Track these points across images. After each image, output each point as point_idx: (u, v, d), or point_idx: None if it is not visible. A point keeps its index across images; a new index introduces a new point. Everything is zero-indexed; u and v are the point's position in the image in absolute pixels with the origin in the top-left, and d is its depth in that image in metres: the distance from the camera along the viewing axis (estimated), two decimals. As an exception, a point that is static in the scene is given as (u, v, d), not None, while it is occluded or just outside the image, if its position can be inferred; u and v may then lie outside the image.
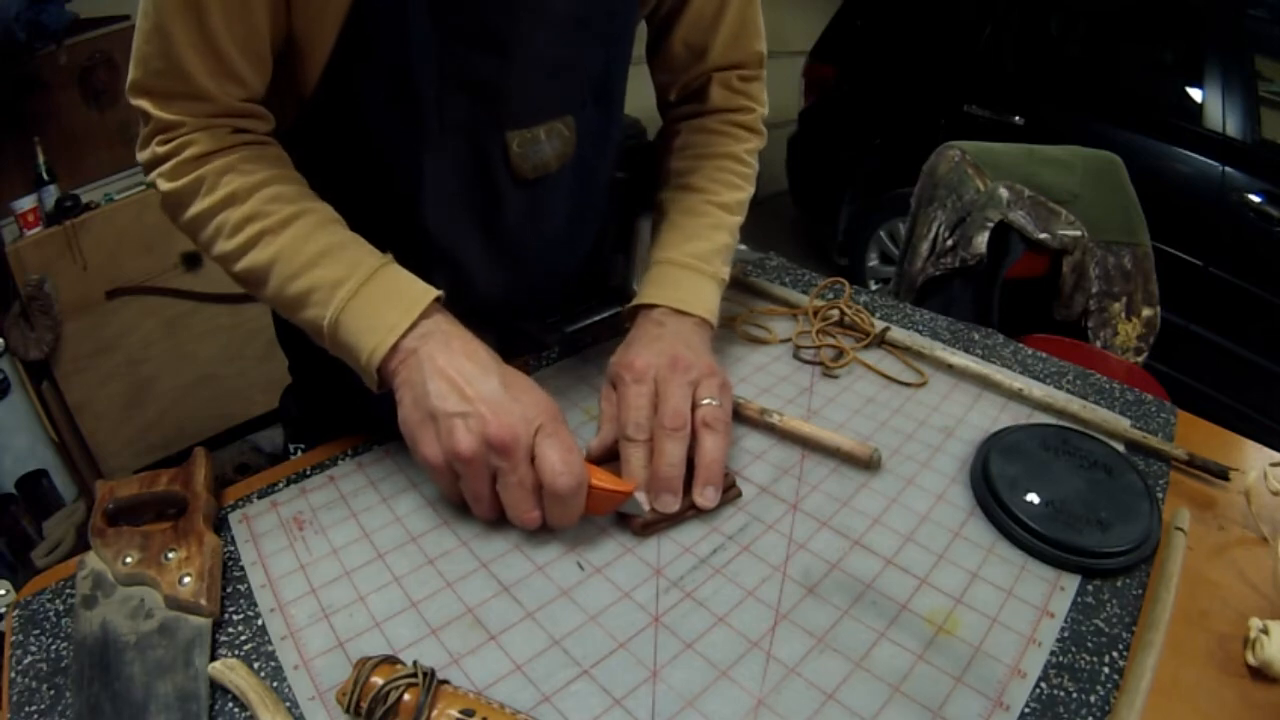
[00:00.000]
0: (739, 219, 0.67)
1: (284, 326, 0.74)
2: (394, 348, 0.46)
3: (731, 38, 0.66)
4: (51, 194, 1.72)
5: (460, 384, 0.45)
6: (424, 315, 0.47)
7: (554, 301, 0.73)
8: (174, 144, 0.49)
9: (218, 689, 0.38)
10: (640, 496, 0.48)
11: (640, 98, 0.77)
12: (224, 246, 0.49)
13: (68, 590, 0.44)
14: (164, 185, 0.50)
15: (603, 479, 0.46)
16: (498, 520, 0.47)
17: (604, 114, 0.63)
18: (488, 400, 0.44)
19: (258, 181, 0.49)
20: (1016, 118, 2.21)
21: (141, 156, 0.51)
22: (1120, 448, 0.56)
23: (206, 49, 0.46)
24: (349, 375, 0.50)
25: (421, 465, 0.46)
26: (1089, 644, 0.41)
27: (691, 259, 0.62)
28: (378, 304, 0.47)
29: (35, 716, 0.37)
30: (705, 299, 0.60)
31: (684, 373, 0.52)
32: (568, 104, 0.59)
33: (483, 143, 0.56)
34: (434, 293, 0.49)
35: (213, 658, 0.39)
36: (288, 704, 0.37)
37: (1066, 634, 0.41)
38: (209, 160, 0.49)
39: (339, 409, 0.59)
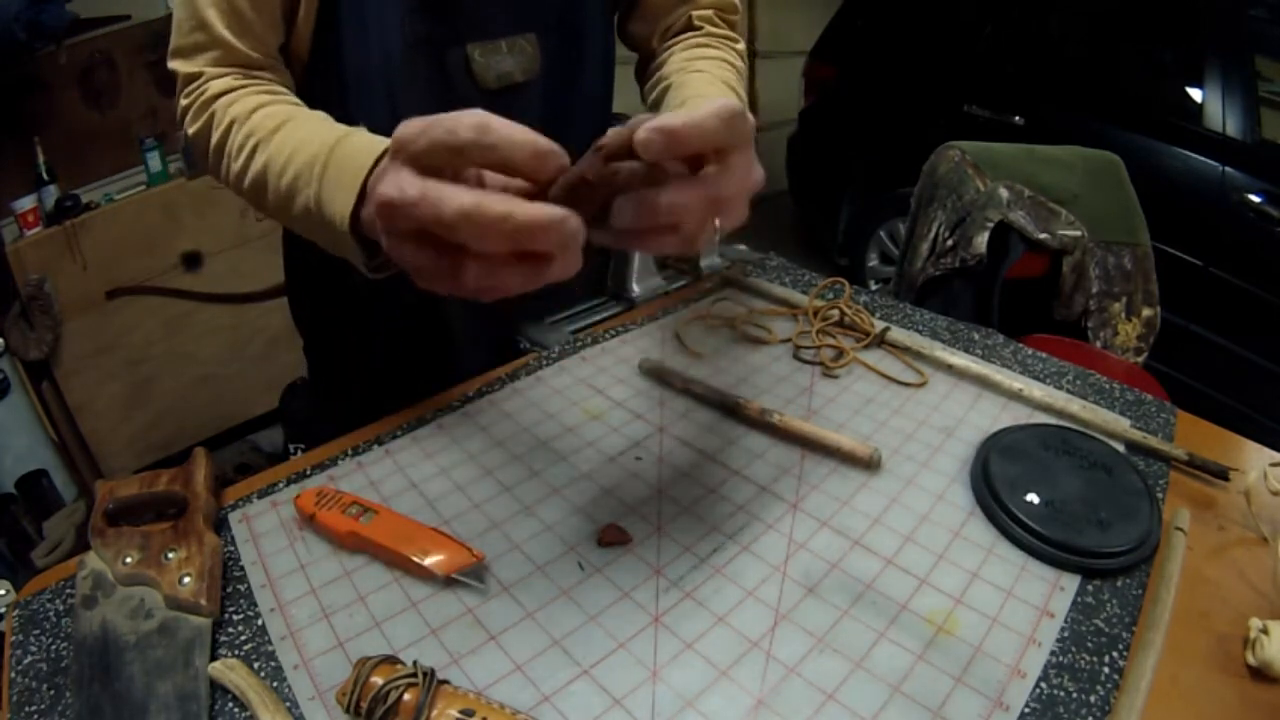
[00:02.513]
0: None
1: (299, 304, 0.77)
2: (355, 212, 0.43)
3: None
4: (51, 194, 1.72)
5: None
6: (375, 166, 0.42)
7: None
8: (195, 93, 0.55)
9: (218, 689, 0.38)
10: None
11: (635, 97, 0.78)
12: (234, 168, 0.52)
13: (68, 590, 0.44)
14: (190, 130, 0.55)
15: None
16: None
17: (570, 38, 0.65)
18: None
19: (255, 104, 0.53)
20: (1016, 118, 2.21)
21: (178, 116, 0.57)
22: (1120, 448, 0.56)
23: (226, 6, 0.53)
24: (365, 346, 0.49)
25: (415, 276, 0.37)
26: (1089, 644, 0.41)
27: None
28: (338, 176, 0.44)
29: (35, 716, 0.37)
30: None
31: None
32: (527, 22, 0.62)
33: (445, 56, 0.60)
34: (380, 146, 0.43)
35: (213, 658, 0.39)
36: (288, 704, 0.37)
37: (1066, 634, 0.41)
38: (220, 98, 0.54)
39: (356, 383, 0.60)
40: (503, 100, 0.63)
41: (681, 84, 0.63)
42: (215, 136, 0.53)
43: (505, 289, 0.35)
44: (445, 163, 0.33)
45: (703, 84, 0.61)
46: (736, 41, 0.71)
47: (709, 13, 0.70)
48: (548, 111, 0.67)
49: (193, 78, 0.55)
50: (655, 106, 0.66)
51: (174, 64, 0.56)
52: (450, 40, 0.60)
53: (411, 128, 0.33)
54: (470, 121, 0.32)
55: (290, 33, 0.58)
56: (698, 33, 0.71)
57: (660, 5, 0.70)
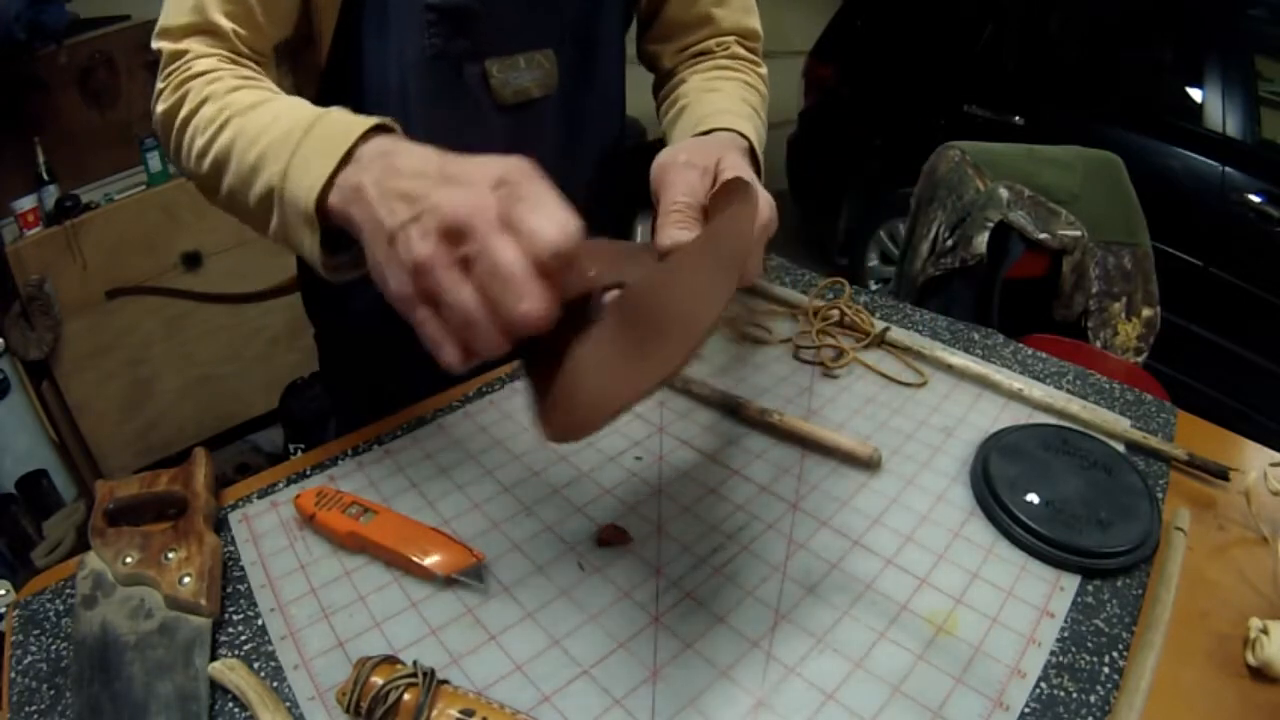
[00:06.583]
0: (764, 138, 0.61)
1: (312, 291, 0.76)
2: (330, 184, 0.39)
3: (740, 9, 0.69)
4: (51, 194, 1.73)
5: (407, 188, 0.35)
6: (362, 141, 0.39)
7: None
8: (175, 72, 0.51)
9: (218, 689, 0.38)
10: None
11: (640, 97, 0.78)
12: (198, 144, 0.48)
13: (68, 590, 0.44)
14: (159, 108, 0.51)
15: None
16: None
17: (586, 54, 0.65)
18: (435, 188, 0.34)
19: (236, 85, 0.49)
20: (1016, 118, 2.21)
21: (153, 97, 0.52)
22: (1120, 448, 0.56)
23: None
24: (376, 333, 0.49)
25: (398, 308, 0.35)
26: (1089, 644, 0.41)
27: (737, 118, 0.57)
28: (319, 145, 0.40)
29: (35, 716, 0.37)
30: (753, 138, 0.56)
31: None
32: (545, 38, 0.62)
33: (462, 70, 0.59)
34: (372, 121, 0.41)
35: (213, 658, 0.39)
36: (288, 704, 0.37)
37: (1066, 634, 0.41)
38: (200, 76, 0.50)
39: (365, 371, 0.60)
40: (521, 118, 0.63)
41: (696, 102, 0.61)
42: (184, 111, 0.49)
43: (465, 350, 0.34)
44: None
45: (720, 102, 0.59)
46: (759, 65, 0.70)
47: (730, 39, 0.69)
48: (564, 126, 0.66)
49: (176, 55, 0.51)
50: (670, 127, 0.64)
51: (159, 43, 0.52)
52: (468, 55, 0.59)
53: (573, 228, 0.32)
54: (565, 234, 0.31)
55: (305, 38, 0.57)
56: (718, 56, 0.69)
57: (678, 24, 0.69)
